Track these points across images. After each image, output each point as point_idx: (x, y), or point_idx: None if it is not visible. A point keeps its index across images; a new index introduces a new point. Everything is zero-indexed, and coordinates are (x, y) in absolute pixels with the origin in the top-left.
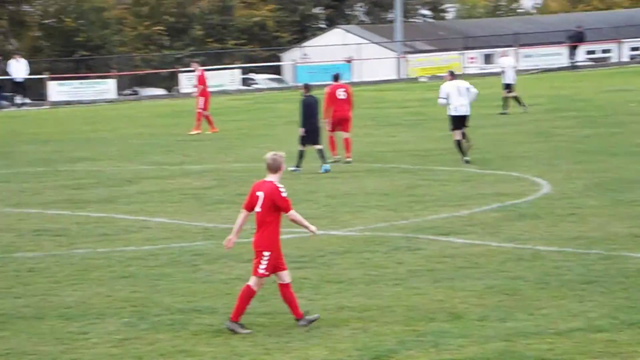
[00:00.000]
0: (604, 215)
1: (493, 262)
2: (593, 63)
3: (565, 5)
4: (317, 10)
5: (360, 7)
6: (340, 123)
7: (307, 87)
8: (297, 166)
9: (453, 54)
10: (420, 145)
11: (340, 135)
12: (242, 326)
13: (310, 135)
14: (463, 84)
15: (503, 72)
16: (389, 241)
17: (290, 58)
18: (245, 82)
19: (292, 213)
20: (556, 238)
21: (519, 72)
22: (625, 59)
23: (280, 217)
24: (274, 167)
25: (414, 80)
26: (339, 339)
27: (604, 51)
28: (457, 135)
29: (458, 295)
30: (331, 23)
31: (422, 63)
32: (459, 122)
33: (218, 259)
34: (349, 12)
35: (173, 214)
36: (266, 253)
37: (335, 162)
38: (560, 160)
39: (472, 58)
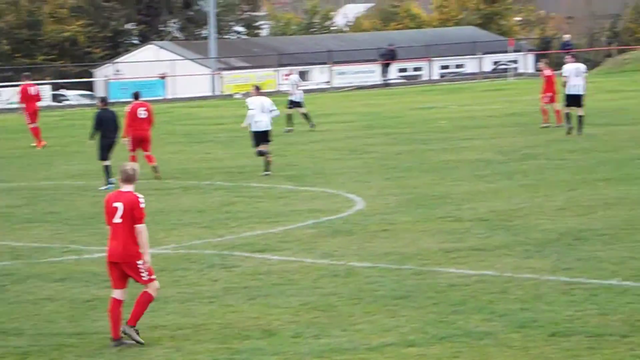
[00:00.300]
0: (415, 231)
1: (308, 278)
2: (405, 81)
3: (377, 23)
4: (129, 26)
5: (174, 23)
6: (140, 142)
7: (103, 101)
8: (109, 182)
9: (268, 71)
10: (235, 162)
11: (142, 153)
12: (138, 332)
13: (102, 151)
14: (267, 101)
15: (292, 90)
16: (204, 259)
17: (102, 74)
18: (56, 98)
19: (143, 227)
20: (370, 254)
21: (333, 89)
22: (436, 76)
23: None
24: (133, 178)
25: (229, 97)
26: (152, 359)
27: (416, 69)
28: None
29: (273, 312)
30: (144, 39)
31: (237, 80)
32: (259, 137)
33: (26, 279)
34: (163, 28)
35: None
36: (140, 262)
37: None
38: (373, 177)
39: (286, 75)
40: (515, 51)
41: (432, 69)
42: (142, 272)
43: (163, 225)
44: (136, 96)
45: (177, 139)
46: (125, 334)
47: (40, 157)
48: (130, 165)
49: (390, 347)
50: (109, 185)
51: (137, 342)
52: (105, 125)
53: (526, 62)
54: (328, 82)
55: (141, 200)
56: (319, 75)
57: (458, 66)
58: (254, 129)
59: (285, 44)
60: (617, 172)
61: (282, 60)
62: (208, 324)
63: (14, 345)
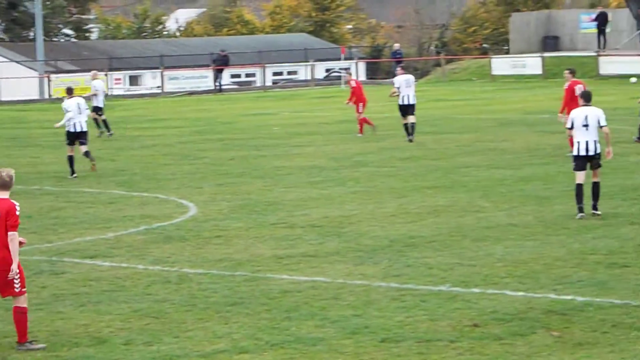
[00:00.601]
0: (249, 237)
1: (139, 284)
2: (238, 87)
3: (209, 28)
4: None
5: None
6: None
7: None
8: None
9: (99, 74)
10: (63, 167)
11: None
12: (32, 342)
13: None
14: (81, 101)
15: (95, 95)
16: (32, 265)
17: None
18: None
19: (15, 235)
20: (203, 260)
21: (164, 95)
22: (269, 83)
23: None
24: (9, 184)
25: (58, 100)
26: None
27: (248, 75)
28: (70, 151)
29: (103, 319)
30: None
31: (66, 83)
32: (75, 137)
33: None
34: None
35: None
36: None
37: None
38: (205, 183)
39: (117, 79)
40: (346, 59)
41: (265, 76)
42: (16, 282)
43: None
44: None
45: (3, 142)
46: (27, 350)
47: None
48: (5, 172)
49: (223, 353)
50: None
51: (39, 349)
52: None
53: (358, 70)
54: (160, 87)
55: (17, 207)
56: (150, 80)
57: (290, 73)
58: (72, 129)
59: (116, 48)
60: (445, 180)
61: (113, 64)
62: (36, 332)
63: None
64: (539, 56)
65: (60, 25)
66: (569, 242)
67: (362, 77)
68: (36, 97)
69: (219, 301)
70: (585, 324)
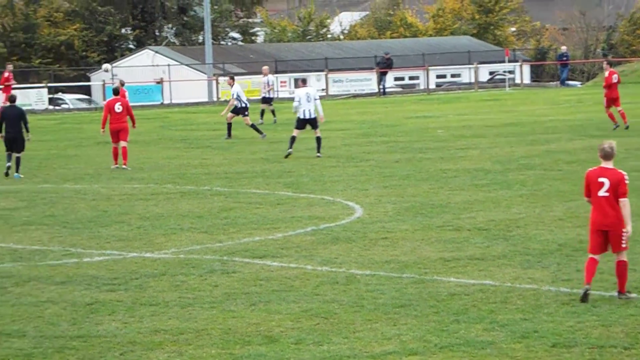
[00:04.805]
0: (415, 239)
1: (308, 285)
2: (401, 89)
3: (373, 31)
4: (125, 30)
5: (170, 28)
6: (118, 133)
7: (12, 99)
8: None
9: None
10: (232, 168)
11: (120, 144)
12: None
13: (10, 143)
14: (311, 90)
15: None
16: (204, 264)
17: (99, 78)
18: (53, 101)
19: (627, 201)
20: (370, 262)
21: (329, 97)
22: (432, 85)
23: None
24: (611, 155)
25: (226, 102)
26: None
27: (411, 78)
28: (296, 132)
29: (274, 319)
30: (140, 44)
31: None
32: (304, 123)
33: (27, 282)
34: (158, 33)
35: None
36: (624, 230)
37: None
38: (371, 185)
39: (283, 82)
40: (510, 61)
41: (428, 78)
42: (623, 240)
43: (162, 229)
44: (115, 92)
45: (174, 144)
46: (620, 298)
47: (39, 160)
48: (607, 144)
49: (392, 355)
50: (18, 175)
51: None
52: (8, 121)
53: (522, 73)
54: (324, 89)
55: (626, 177)
56: (315, 83)
57: (454, 75)
58: (300, 115)
59: (281, 51)
60: None
61: (279, 67)
62: (209, 329)
63: (16, 347)
64: None
65: (228, 29)
66: None
67: (527, 79)
68: (205, 99)
69: (387, 302)
70: None
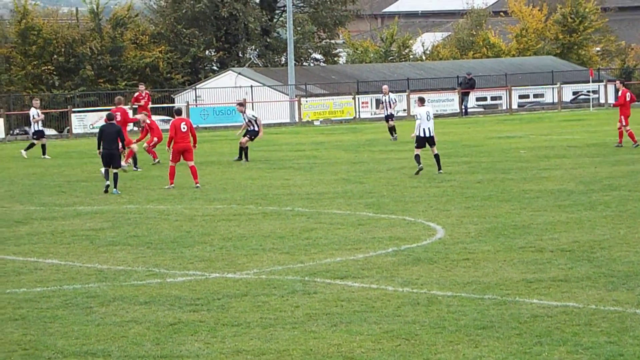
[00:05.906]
0: (497, 260)
1: (389, 306)
2: (483, 109)
3: (455, 52)
4: (209, 52)
5: (253, 49)
6: (183, 153)
7: (109, 117)
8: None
9: (346, 98)
10: (314, 189)
11: (187, 164)
12: None
13: (108, 159)
14: (430, 109)
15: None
16: (285, 284)
17: (183, 100)
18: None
19: None
20: (451, 283)
21: (410, 118)
22: (515, 105)
23: None
24: None
25: (308, 123)
26: None
27: (494, 98)
28: (418, 150)
29: (355, 340)
30: (223, 65)
31: (315, 107)
32: (424, 141)
33: (112, 301)
34: (241, 55)
35: (65, 255)
36: None
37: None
38: (452, 205)
39: (364, 103)
40: (595, 81)
41: (510, 98)
42: None
43: (244, 250)
44: (178, 112)
45: (257, 164)
46: None
47: (123, 181)
48: None
49: None
50: (116, 191)
51: None
52: (107, 137)
53: (607, 93)
54: (405, 109)
55: None
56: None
57: (537, 95)
58: (420, 134)
59: (363, 72)
60: None
61: (360, 87)
62: (291, 350)
63: None
64: None
65: (310, 50)
66: None
67: (611, 99)
68: (287, 120)
69: (469, 324)
70: None
